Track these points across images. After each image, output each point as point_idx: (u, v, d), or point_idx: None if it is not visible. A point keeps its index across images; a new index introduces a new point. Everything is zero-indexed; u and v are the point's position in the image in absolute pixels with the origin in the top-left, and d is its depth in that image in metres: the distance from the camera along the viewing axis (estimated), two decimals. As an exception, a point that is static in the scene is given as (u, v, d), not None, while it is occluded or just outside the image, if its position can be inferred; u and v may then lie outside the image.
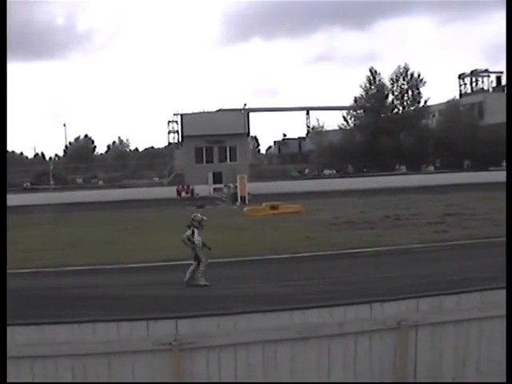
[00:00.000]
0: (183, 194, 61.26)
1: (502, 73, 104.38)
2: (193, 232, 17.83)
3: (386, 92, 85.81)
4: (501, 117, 79.97)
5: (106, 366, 8.22)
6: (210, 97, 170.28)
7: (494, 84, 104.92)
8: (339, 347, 8.77)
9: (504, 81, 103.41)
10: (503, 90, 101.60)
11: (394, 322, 8.86)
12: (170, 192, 61.33)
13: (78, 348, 8.08)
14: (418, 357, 9.06)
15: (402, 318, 8.89)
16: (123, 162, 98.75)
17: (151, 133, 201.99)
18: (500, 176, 59.72)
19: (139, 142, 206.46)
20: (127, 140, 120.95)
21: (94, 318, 8.51)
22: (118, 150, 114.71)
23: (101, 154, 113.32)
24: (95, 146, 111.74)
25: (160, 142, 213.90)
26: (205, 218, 18.61)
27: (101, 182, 79.43)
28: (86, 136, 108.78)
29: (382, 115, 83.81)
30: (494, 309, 9.18)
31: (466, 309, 9.12)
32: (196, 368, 8.38)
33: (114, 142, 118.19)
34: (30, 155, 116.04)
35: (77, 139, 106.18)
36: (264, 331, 8.42)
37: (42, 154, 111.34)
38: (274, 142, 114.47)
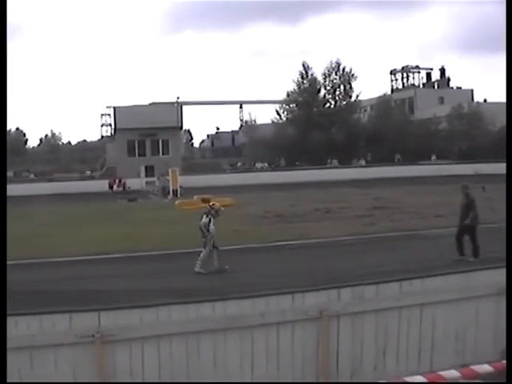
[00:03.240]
0: (115, 187, 60.61)
1: (431, 69, 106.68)
2: (210, 220, 17.89)
3: (319, 86, 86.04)
4: (430, 112, 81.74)
5: (29, 359, 8.19)
6: (144, 90, 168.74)
7: (424, 80, 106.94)
8: (261, 338, 8.90)
9: (434, 77, 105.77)
10: (433, 86, 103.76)
11: (315, 311, 9.03)
12: (101, 185, 60.56)
13: (-2, 342, 8.01)
14: (340, 346, 9.25)
15: (324, 307, 9.06)
16: (55, 155, 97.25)
17: (84, 126, 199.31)
18: (428, 170, 60.92)
19: (72, 135, 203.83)
20: (60, 133, 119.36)
21: (15, 312, 8.40)
22: (51, 143, 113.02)
23: (33, 148, 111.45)
24: (27, 139, 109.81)
25: (93, 135, 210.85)
26: (222, 208, 18.87)
27: (32, 176, 77.86)
28: (17, 129, 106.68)
29: (315, 109, 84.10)
30: (412, 298, 9.46)
31: (385, 298, 9.36)
32: (119, 360, 8.41)
33: (46, 136, 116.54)
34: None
35: (8, 132, 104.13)
36: (186, 323, 8.50)
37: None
38: (207, 135, 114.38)
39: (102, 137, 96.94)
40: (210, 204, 18.64)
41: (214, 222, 17.98)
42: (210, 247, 17.85)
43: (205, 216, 18.12)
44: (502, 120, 70.13)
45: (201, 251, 17.99)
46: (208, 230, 17.81)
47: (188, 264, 18.42)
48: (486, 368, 8.77)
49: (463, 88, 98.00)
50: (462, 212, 18.48)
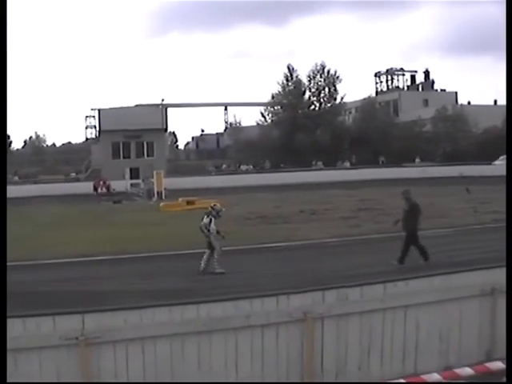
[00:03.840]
0: (100, 189, 60.41)
1: (416, 72, 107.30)
2: (210, 220, 17.94)
3: (303, 89, 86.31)
4: (414, 114, 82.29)
5: (13, 362, 8.14)
6: (129, 92, 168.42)
7: (409, 82, 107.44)
8: (246, 339, 8.90)
9: (418, 79, 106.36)
10: (417, 89, 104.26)
11: (300, 313, 9.04)
12: (86, 187, 60.26)
13: (-18, 345, 7.97)
14: (325, 347, 9.27)
15: (308, 309, 9.07)
16: (40, 157, 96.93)
17: (69, 128, 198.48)
18: (412, 172, 61.06)
19: (56, 137, 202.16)
20: (44, 135, 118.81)
21: (-1, 315, 8.39)
22: (35, 145, 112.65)
23: (17, 150, 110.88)
24: (11, 141, 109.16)
25: (77, 137, 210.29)
26: (224, 209, 18.89)
27: (16, 178, 77.36)
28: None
29: (300, 111, 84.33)
30: (396, 300, 9.50)
31: (369, 300, 9.38)
32: (103, 362, 8.38)
33: (30, 137, 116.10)
34: None
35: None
36: (170, 325, 8.49)
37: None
38: (192, 137, 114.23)
39: (87, 139, 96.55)
40: (212, 205, 18.68)
41: (215, 222, 18.02)
42: (218, 246, 17.91)
43: (206, 216, 18.20)
44: (485, 122, 70.84)
45: (208, 252, 18.03)
46: (209, 231, 17.87)
47: (176, 265, 18.36)
48: (467, 371, 8.85)
49: (447, 90, 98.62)
50: (404, 217, 18.47)
